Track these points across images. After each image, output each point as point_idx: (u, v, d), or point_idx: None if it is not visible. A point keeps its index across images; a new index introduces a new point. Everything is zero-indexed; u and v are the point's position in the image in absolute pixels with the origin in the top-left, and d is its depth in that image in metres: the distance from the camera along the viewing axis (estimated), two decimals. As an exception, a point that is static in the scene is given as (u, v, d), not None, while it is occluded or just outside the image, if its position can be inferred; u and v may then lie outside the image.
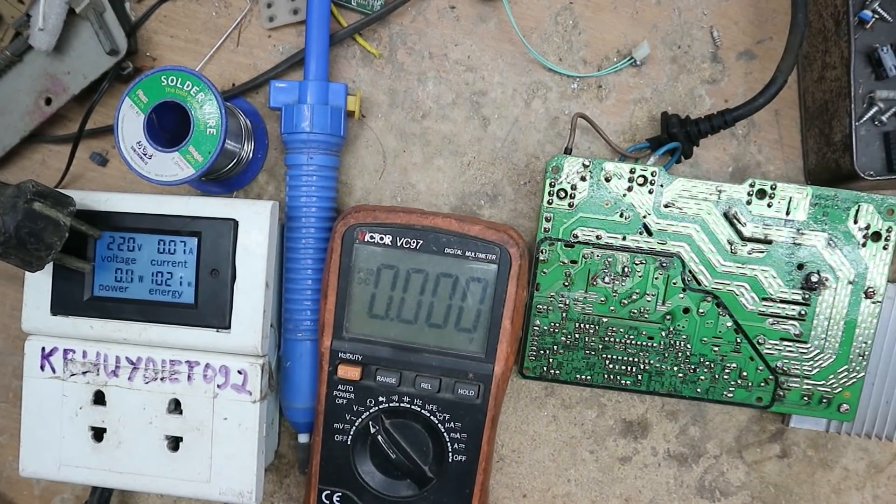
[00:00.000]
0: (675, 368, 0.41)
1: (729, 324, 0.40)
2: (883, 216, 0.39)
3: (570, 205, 0.40)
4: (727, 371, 0.40)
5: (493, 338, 0.38)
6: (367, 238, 0.39)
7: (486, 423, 0.39)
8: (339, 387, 0.39)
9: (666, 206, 0.40)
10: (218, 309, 0.39)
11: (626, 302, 0.40)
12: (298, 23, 0.44)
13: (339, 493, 0.40)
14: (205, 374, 0.40)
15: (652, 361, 0.41)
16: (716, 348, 0.40)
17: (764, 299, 0.40)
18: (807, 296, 0.40)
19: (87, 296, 0.41)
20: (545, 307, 0.41)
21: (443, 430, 0.39)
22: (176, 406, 0.41)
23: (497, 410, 0.39)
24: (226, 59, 0.45)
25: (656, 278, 0.40)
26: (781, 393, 0.40)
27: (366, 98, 0.44)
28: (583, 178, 0.40)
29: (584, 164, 0.40)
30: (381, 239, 0.39)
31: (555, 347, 0.41)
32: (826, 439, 0.44)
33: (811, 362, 0.40)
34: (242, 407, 0.40)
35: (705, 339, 0.40)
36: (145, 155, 0.39)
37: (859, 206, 0.39)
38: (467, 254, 0.38)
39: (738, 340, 0.40)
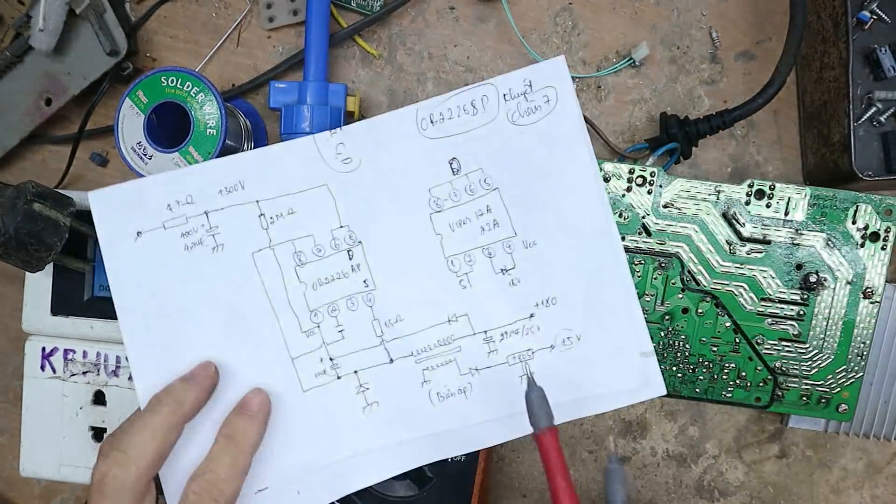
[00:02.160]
0: (674, 368, 0.41)
1: (728, 324, 0.40)
2: (881, 216, 0.39)
3: (570, 205, 0.40)
4: (726, 371, 0.41)
5: (493, 338, 0.38)
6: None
7: (486, 423, 0.39)
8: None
9: (665, 207, 0.40)
10: (218, 309, 0.39)
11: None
12: (298, 23, 0.44)
13: (339, 493, 0.40)
14: (205, 374, 0.40)
15: (651, 361, 0.41)
16: (715, 348, 0.40)
17: (763, 299, 0.40)
18: (805, 296, 0.40)
19: (87, 296, 0.41)
20: (544, 307, 0.41)
21: (442, 429, 0.39)
22: (176, 406, 0.41)
23: (496, 410, 0.39)
24: (225, 60, 0.45)
25: (655, 278, 0.40)
26: (780, 393, 0.41)
27: (365, 98, 0.45)
28: (582, 179, 0.40)
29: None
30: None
31: (554, 347, 0.41)
32: (825, 439, 0.45)
33: (810, 362, 0.40)
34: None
35: (704, 339, 0.40)
36: (145, 155, 0.39)
37: (857, 206, 0.39)
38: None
39: (737, 340, 0.40)
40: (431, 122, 0.36)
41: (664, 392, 0.36)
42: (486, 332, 0.36)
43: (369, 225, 0.36)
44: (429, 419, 0.36)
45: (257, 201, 0.36)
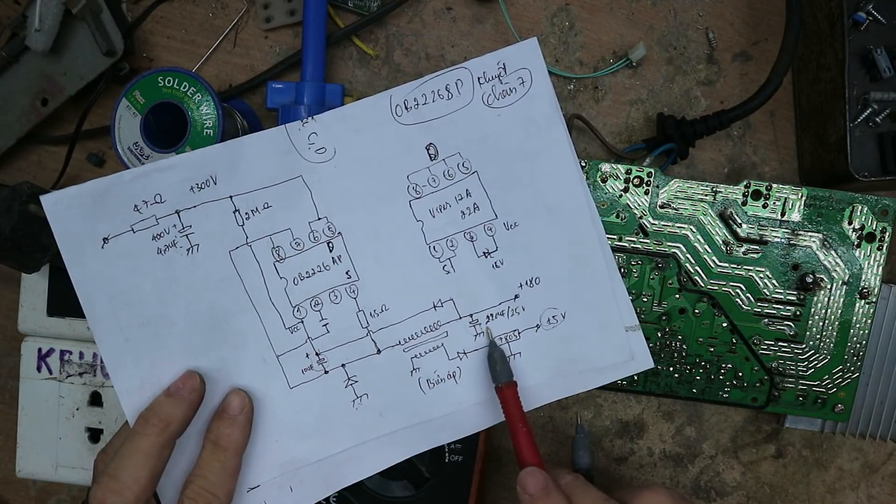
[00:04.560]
0: (671, 369, 0.41)
1: (725, 324, 0.40)
2: (877, 217, 0.39)
3: (567, 206, 0.40)
4: (723, 371, 0.41)
5: (490, 338, 0.39)
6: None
7: (483, 424, 0.39)
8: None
9: (662, 207, 0.40)
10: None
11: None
12: (295, 24, 0.44)
13: (336, 493, 0.40)
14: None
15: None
16: (711, 349, 0.41)
17: (759, 300, 0.40)
18: (802, 296, 0.40)
19: (84, 297, 0.41)
20: (541, 308, 0.41)
21: (439, 430, 0.39)
22: (173, 407, 0.41)
23: (493, 411, 0.40)
24: (223, 60, 0.45)
25: (652, 279, 0.40)
26: (777, 393, 0.41)
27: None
28: (579, 179, 0.40)
29: (580, 165, 0.40)
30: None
31: (551, 348, 0.41)
32: (821, 439, 0.45)
33: (806, 363, 0.40)
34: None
35: (701, 339, 0.41)
36: (142, 156, 0.39)
37: (854, 206, 0.39)
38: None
39: (734, 341, 0.40)
40: (406, 107, 0.36)
41: (651, 365, 0.36)
42: (471, 315, 0.36)
43: (348, 215, 0.36)
44: (420, 407, 0.36)
45: (231, 197, 0.35)
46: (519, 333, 0.36)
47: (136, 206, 0.34)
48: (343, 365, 0.36)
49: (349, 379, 0.36)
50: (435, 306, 0.36)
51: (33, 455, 0.42)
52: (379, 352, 0.36)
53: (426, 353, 0.36)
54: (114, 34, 0.42)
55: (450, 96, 0.36)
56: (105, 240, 0.34)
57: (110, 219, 0.34)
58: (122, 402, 0.34)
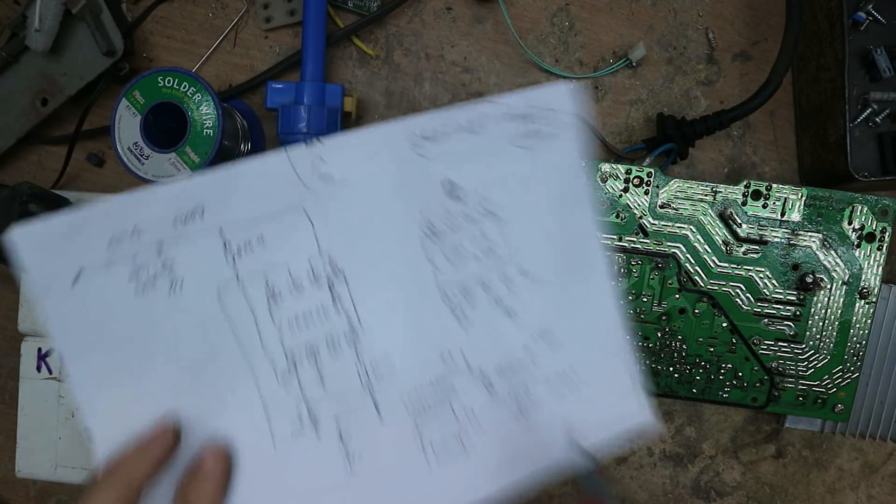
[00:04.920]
0: (671, 369, 0.41)
1: (724, 324, 0.40)
2: (877, 217, 0.39)
3: (567, 206, 0.40)
4: (723, 371, 0.41)
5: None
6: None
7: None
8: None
9: (662, 207, 0.40)
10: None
11: (622, 302, 0.40)
12: (295, 24, 0.44)
13: None
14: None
15: (648, 362, 0.41)
16: (711, 349, 0.41)
17: (759, 300, 0.40)
18: (802, 296, 0.40)
19: (84, 297, 0.41)
20: (541, 308, 0.41)
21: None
22: (172, 407, 0.41)
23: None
24: (222, 60, 0.45)
25: (652, 279, 0.40)
26: (777, 393, 0.41)
27: (362, 99, 0.45)
28: (579, 179, 0.40)
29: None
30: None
31: (551, 348, 0.41)
32: (821, 439, 0.45)
33: (806, 363, 0.40)
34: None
35: (701, 339, 0.41)
36: (142, 156, 0.39)
37: (853, 206, 0.39)
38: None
39: (734, 341, 0.40)
40: (425, 139, 0.33)
41: (652, 419, 0.34)
42: (481, 368, 0.33)
43: (352, 253, 0.32)
44: (422, 477, 0.32)
45: (220, 228, 0.31)
46: (528, 388, 0.33)
47: (110, 240, 0.31)
48: (337, 424, 0.32)
49: (343, 441, 0.32)
50: (443, 358, 0.33)
51: (33, 455, 0.42)
52: (378, 412, 0.32)
53: (431, 410, 0.33)
54: (114, 34, 0.42)
55: (473, 132, 0.33)
56: (76, 278, 0.30)
57: (82, 255, 0.30)
58: (95, 448, 0.31)
